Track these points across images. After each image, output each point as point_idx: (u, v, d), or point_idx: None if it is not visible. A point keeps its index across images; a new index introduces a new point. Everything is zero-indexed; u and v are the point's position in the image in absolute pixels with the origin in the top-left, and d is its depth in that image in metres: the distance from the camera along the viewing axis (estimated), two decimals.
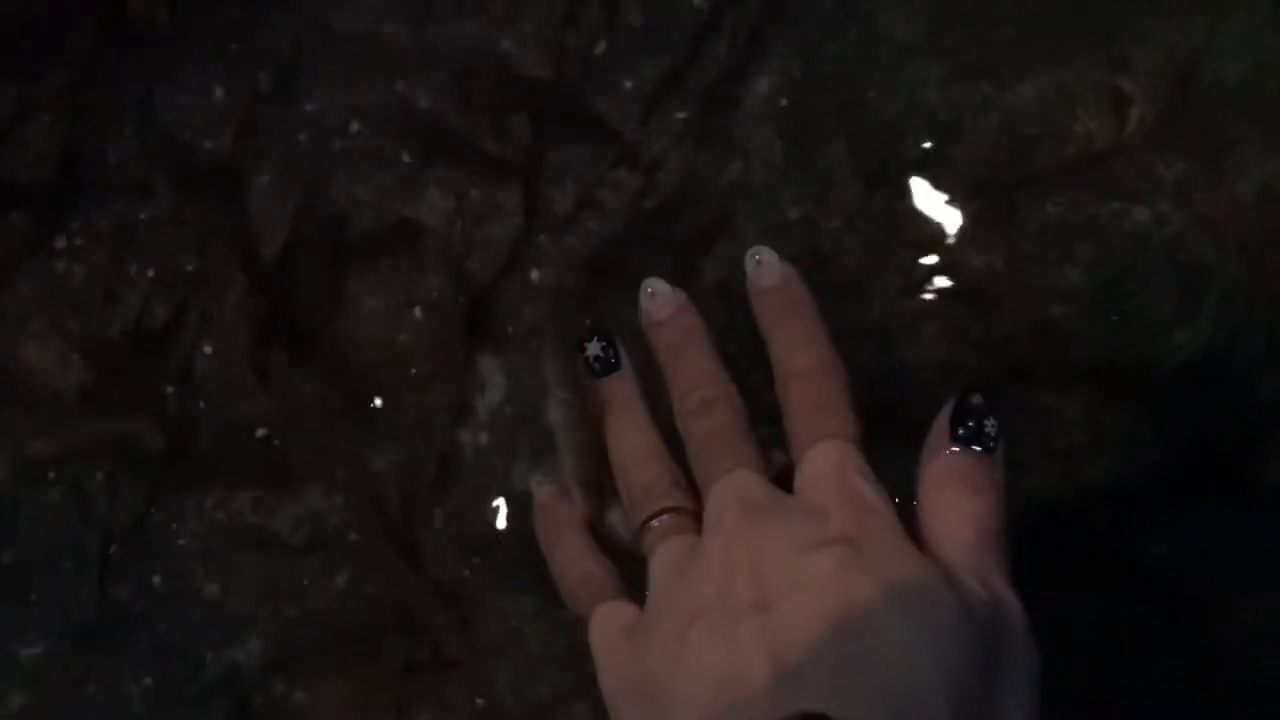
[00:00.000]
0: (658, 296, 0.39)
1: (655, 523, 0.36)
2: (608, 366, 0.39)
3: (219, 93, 0.46)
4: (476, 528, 0.43)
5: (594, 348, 0.39)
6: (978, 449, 0.34)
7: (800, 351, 0.36)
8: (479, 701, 0.42)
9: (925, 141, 0.42)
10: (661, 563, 0.35)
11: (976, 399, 0.34)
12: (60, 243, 0.46)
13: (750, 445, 0.36)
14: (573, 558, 0.38)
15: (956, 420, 0.34)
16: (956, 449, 0.34)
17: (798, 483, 0.35)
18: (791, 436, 0.36)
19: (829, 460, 0.34)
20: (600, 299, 0.43)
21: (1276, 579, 0.39)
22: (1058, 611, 0.35)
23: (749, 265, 0.38)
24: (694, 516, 0.36)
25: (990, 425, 0.34)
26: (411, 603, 0.43)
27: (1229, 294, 0.40)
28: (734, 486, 0.34)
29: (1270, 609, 0.39)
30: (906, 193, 0.42)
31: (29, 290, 0.46)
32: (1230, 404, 0.40)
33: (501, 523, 0.43)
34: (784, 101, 0.43)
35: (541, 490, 0.40)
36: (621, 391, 0.39)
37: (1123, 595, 0.40)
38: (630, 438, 0.38)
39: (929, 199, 0.42)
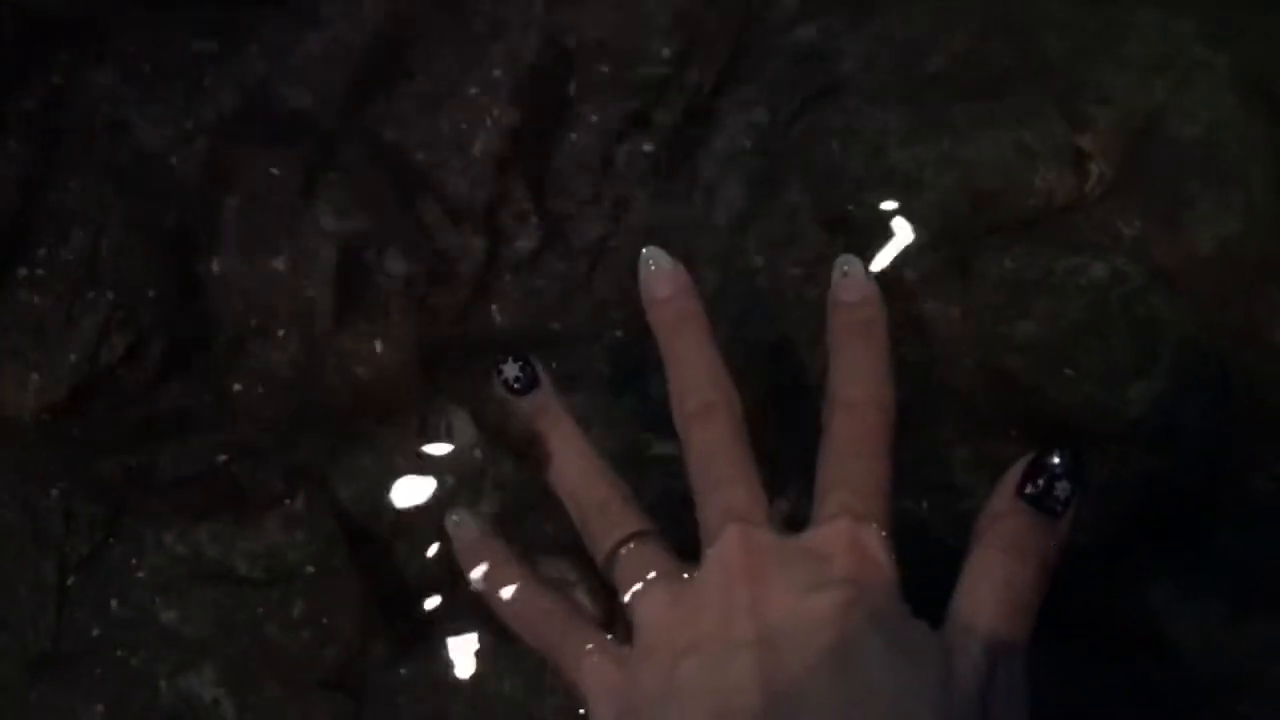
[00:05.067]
0: (658, 271, 0.38)
1: (623, 552, 0.36)
2: (527, 385, 0.38)
3: (190, 128, 0.46)
4: (437, 563, 0.43)
5: (510, 369, 0.38)
6: (1040, 512, 0.33)
7: (859, 380, 0.36)
8: None
9: (886, 192, 0.43)
10: (650, 600, 0.35)
11: (1054, 459, 0.33)
12: (23, 271, 0.46)
13: (749, 461, 0.36)
14: (523, 600, 0.38)
15: (1027, 476, 0.33)
16: (1019, 506, 0.33)
17: (813, 520, 0.35)
18: (822, 466, 0.35)
19: (849, 513, 0.34)
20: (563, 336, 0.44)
21: (1235, 632, 0.39)
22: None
23: (835, 275, 0.37)
24: (657, 537, 0.36)
25: (1061, 489, 0.33)
26: (369, 636, 0.43)
27: (1184, 348, 0.40)
28: (739, 529, 0.34)
29: (1230, 661, 0.39)
30: (866, 242, 0.42)
31: None
32: (1185, 458, 0.40)
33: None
34: (748, 144, 0.44)
35: (462, 531, 0.40)
36: (546, 408, 0.38)
37: (1080, 646, 0.40)
38: (567, 458, 0.38)
39: (889, 249, 0.42)
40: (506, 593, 0.38)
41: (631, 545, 0.36)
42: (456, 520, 0.40)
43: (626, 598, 0.35)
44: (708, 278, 0.43)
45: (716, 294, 0.43)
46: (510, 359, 0.38)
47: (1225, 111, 0.42)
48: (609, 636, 0.36)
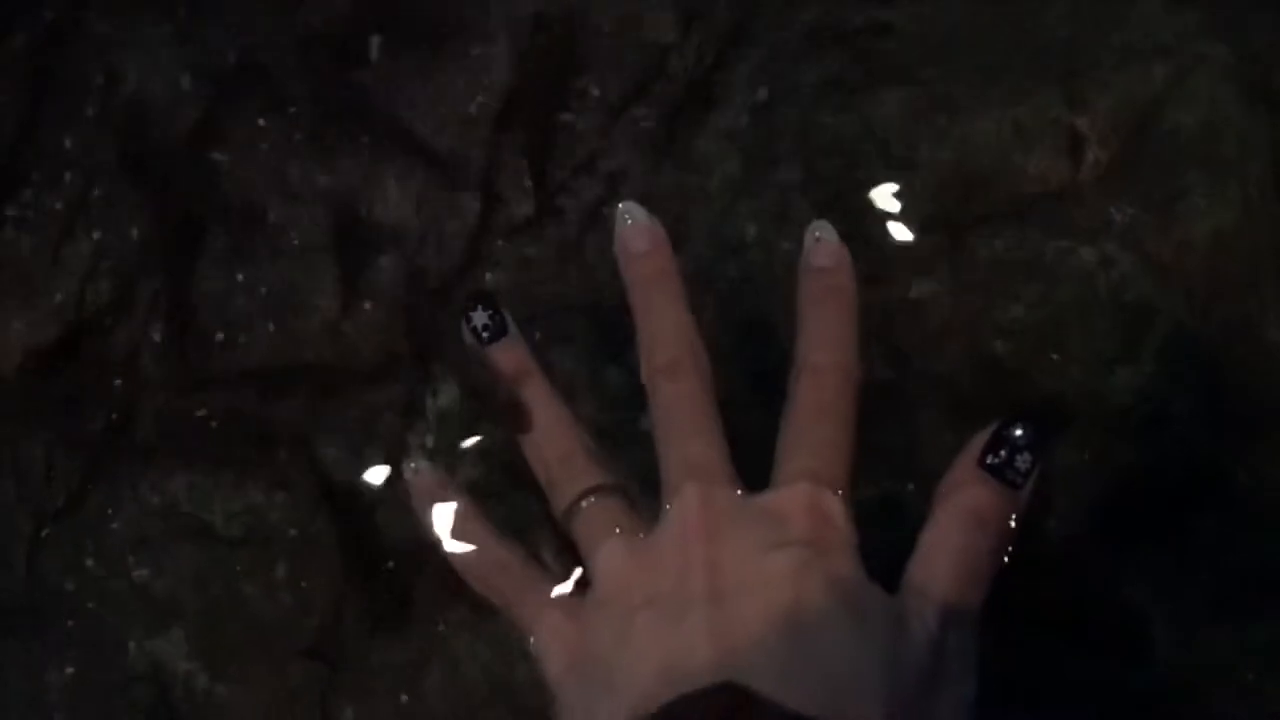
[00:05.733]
0: (634, 224, 0.37)
1: (584, 505, 0.36)
2: (496, 333, 0.38)
3: (185, 79, 0.46)
4: (416, 530, 0.43)
5: (479, 316, 0.38)
6: (1001, 482, 0.33)
7: (826, 345, 0.35)
8: (403, 699, 0.41)
9: (880, 170, 0.42)
10: (608, 553, 0.35)
11: (1018, 431, 0.33)
12: (11, 212, 0.45)
13: (713, 418, 0.35)
14: (478, 547, 0.38)
15: (989, 446, 0.33)
16: (980, 475, 0.33)
17: (773, 482, 0.34)
18: (785, 429, 0.35)
19: (810, 477, 0.34)
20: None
21: (1212, 630, 0.39)
22: (991, 648, 0.35)
23: (807, 240, 0.37)
24: (619, 492, 0.36)
25: (1023, 461, 0.33)
26: (345, 600, 0.43)
27: (1172, 337, 0.40)
28: (699, 488, 0.34)
29: (1206, 659, 0.39)
30: (859, 220, 0.42)
31: None
32: (1170, 450, 0.40)
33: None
34: (747, 119, 0.44)
35: (420, 479, 0.39)
36: (514, 358, 0.38)
37: (1057, 640, 0.40)
38: (534, 410, 0.37)
39: (880, 228, 0.42)
40: (461, 542, 0.38)
41: (592, 499, 0.36)
42: (415, 468, 0.39)
43: (585, 551, 0.35)
44: (700, 251, 0.43)
45: (708, 267, 0.43)
46: (479, 306, 0.38)
47: (1225, 105, 0.42)
48: (563, 590, 0.36)
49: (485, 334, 0.38)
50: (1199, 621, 0.39)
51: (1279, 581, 0.39)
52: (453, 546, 0.38)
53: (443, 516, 0.38)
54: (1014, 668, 0.38)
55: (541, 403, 0.38)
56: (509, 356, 0.38)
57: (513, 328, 0.38)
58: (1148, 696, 0.39)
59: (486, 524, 0.38)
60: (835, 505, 0.33)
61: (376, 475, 0.43)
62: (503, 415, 0.37)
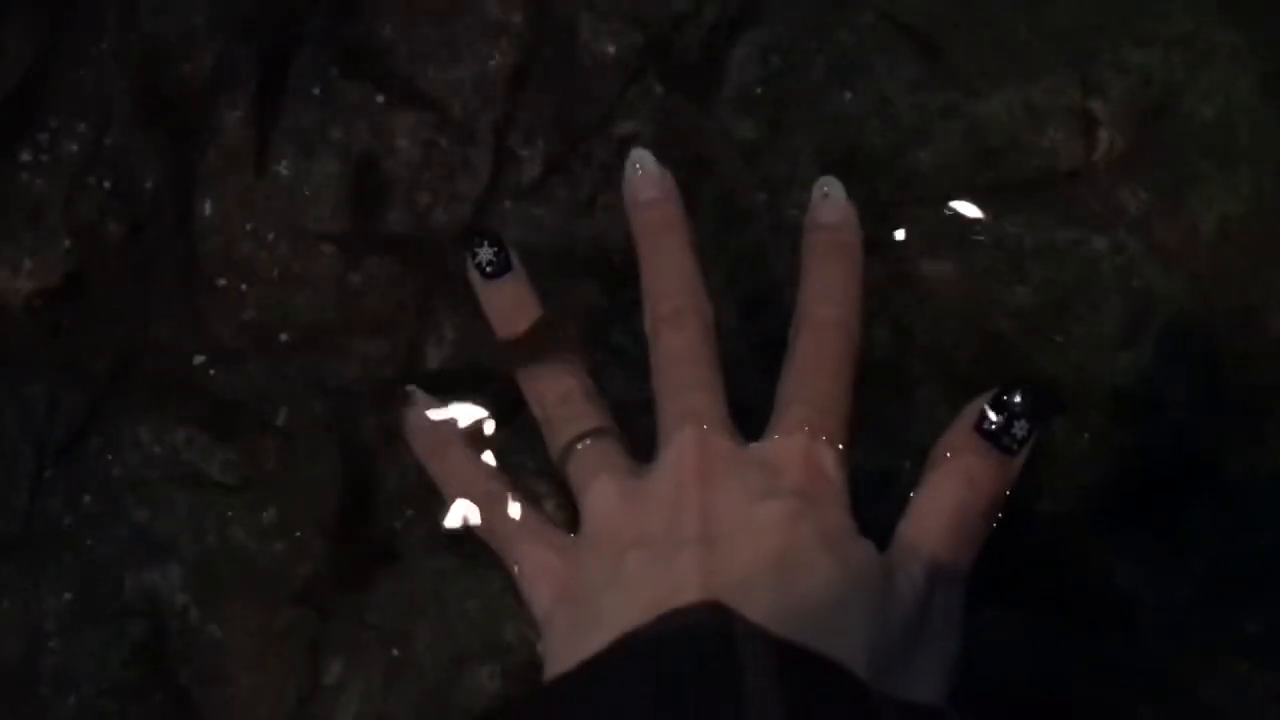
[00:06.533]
0: (644, 172, 0.38)
1: (580, 446, 0.36)
2: (500, 269, 0.38)
3: (201, 26, 0.46)
4: (411, 479, 0.43)
5: (485, 252, 0.38)
6: (997, 448, 0.33)
7: (830, 302, 0.36)
8: (394, 653, 0.42)
9: (890, 141, 0.42)
10: (601, 493, 0.35)
11: (1017, 397, 0.34)
12: (26, 155, 0.46)
13: (715, 370, 0.36)
14: (468, 480, 0.38)
15: (988, 410, 0.34)
16: (976, 440, 0.34)
17: (769, 432, 0.35)
18: (784, 381, 0.35)
19: (806, 428, 0.34)
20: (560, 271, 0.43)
21: (1200, 617, 0.39)
22: (984, 627, 0.35)
23: (815, 197, 0.37)
24: (615, 435, 0.36)
25: (1020, 428, 0.34)
26: (339, 550, 0.43)
27: (1174, 322, 0.40)
28: (696, 433, 0.34)
29: (1193, 645, 0.39)
30: (867, 193, 0.42)
31: None
32: (1165, 436, 0.40)
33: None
34: (759, 89, 0.44)
35: (413, 411, 0.40)
36: (516, 295, 0.38)
37: (1049, 615, 0.40)
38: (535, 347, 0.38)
39: (889, 201, 0.42)
40: (452, 473, 0.38)
41: (589, 441, 0.36)
42: (411, 397, 0.40)
43: (578, 490, 0.36)
44: (708, 219, 0.43)
45: (716, 235, 0.43)
46: (485, 242, 0.38)
47: (1242, 95, 0.42)
48: (552, 525, 0.36)
49: (489, 269, 0.38)
50: (1191, 610, 0.39)
51: (1271, 572, 0.39)
52: (445, 477, 0.38)
53: (436, 447, 0.39)
54: (1010, 651, 0.38)
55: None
56: (512, 293, 0.38)
57: (517, 264, 0.38)
58: (1138, 684, 0.39)
59: (473, 455, 0.38)
60: (830, 458, 0.34)
61: (375, 426, 0.44)
62: (504, 353, 0.38)
